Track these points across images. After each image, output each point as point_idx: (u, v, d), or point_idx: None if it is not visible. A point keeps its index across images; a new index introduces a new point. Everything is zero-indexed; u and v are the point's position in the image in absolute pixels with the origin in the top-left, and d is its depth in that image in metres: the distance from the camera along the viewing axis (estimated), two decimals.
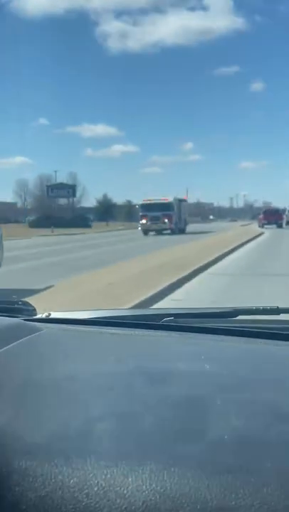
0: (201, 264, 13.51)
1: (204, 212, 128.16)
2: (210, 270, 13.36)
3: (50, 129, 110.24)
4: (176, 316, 1.47)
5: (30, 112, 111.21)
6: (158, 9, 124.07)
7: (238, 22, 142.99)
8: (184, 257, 15.92)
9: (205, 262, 14.08)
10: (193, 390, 0.95)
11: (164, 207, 39.55)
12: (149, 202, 40.86)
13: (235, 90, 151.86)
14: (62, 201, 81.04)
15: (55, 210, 75.09)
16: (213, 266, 14.28)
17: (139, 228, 40.37)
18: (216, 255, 16.26)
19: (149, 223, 39.42)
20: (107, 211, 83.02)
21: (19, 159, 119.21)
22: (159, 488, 0.67)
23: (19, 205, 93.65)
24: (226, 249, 18.94)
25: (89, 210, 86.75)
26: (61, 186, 78.10)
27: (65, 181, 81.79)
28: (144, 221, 39.95)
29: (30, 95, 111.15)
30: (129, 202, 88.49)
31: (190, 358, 1.15)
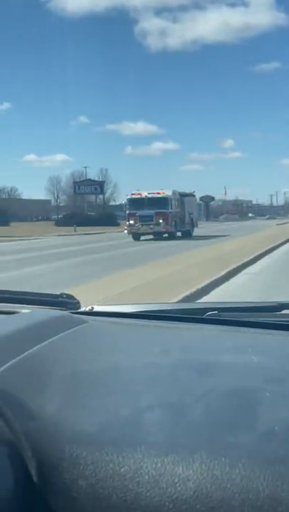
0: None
1: (242, 210, 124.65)
2: None
3: (90, 127, 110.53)
4: (221, 310, 1.48)
5: (71, 110, 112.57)
6: (198, 6, 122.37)
7: (279, 17, 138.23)
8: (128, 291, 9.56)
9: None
10: (241, 382, 0.94)
11: (159, 203, 30.50)
12: (138, 197, 31.48)
13: (276, 87, 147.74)
14: (93, 198, 79.07)
15: (85, 207, 73.37)
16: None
17: (125, 231, 31.65)
18: (201, 285, 9.99)
19: (138, 225, 30.47)
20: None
21: (60, 157, 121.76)
22: (209, 477, 0.68)
23: (52, 202, 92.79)
24: (230, 268, 12.87)
25: (119, 207, 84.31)
26: (88, 183, 76.01)
27: (96, 178, 79.99)
28: (131, 222, 30.92)
29: (70, 93, 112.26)
30: None
31: (236, 351, 1.14)
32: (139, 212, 30.42)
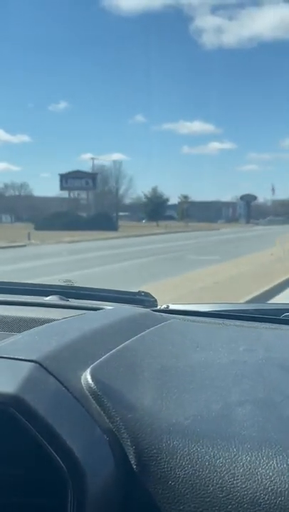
0: None
1: None
2: None
3: (146, 125, 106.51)
4: None
5: (128, 108, 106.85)
6: (255, 2, 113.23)
7: None
8: None
9: None
10: None
11: None
12: None
13: None
14: (111, 194, 65.29)
15: (77, 206, 58.97)
16: None
17: None
18: None
19: None
20: (157, 208, 66.18)
21: (116, 156, 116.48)
22: None
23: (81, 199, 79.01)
24: None
25: (135, 207, 70.98)
26: (78, 175, 60.19)
27: (109, 172, 66.01)
28: None
29: (127, 92, 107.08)
30: (185, 198, 71.47)
31: None
32: None
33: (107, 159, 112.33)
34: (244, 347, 1.11)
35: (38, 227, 45.60)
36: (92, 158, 63.95)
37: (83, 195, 65.50)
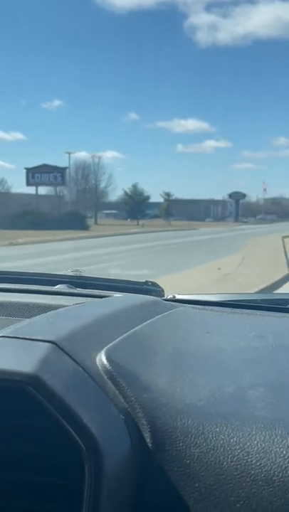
0: None
1: (283, 209, 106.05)
2: None
3: (140, 123, 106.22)
4: None
5: (121, 106, 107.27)
6: (249, 0, 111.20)
7: None
8: None
9: None
10: None
11: None
12: None
13: None
14: (89, 192, 61.49)
15: (45, 202, 54.83)
16: None
17: None
18: None
19: None
20: (137, 206, 62.36)
21: (111, 154, 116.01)
22: None
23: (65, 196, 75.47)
24: None
25: (115, 205, 67.37)
26: (46, 170, 55.12)
27: (88, 167, 62.19)
28: None
29: (120, 90, 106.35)
30: (167, 195, 67.74)
31: None
32: None
33: (102, 157, 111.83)
34: (254, 333, 1.12)
35: (3, 226, 41.85)
36: (68, 153, 59.92)
37: (65, 191, 61.84)
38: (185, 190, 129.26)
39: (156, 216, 65.39)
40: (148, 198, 65.85)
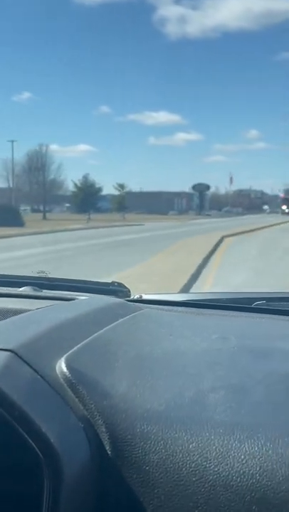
0: None
1: (252, 202, 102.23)
2: None
3: (111, 116, 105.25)
4: (268, 299, 1.49)
5: (91, 99, 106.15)
6: None
7: None
8: None
9: None
10: None
11: None
12: None
13: None
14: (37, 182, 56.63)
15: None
16: None
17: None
18: None
19: None
20: (88, 199, 57.71)
21: (83, 147, 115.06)
22: (274, 455, 0.72)
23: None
24: None
25: (65, 197, 62.72)
26: None
27: (35, 157, 57.34)
28: None
29: (90, 83, 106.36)
30: (121, 187, 63.30)
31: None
32: None
33: (74, 150, 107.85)
34: (217, 335, 1.12)
35: None
36: (12, 141, 55.21)
37: (19, 185, 57.04)
38: (157, 183, 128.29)
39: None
40: (100, 190, 61.51)
